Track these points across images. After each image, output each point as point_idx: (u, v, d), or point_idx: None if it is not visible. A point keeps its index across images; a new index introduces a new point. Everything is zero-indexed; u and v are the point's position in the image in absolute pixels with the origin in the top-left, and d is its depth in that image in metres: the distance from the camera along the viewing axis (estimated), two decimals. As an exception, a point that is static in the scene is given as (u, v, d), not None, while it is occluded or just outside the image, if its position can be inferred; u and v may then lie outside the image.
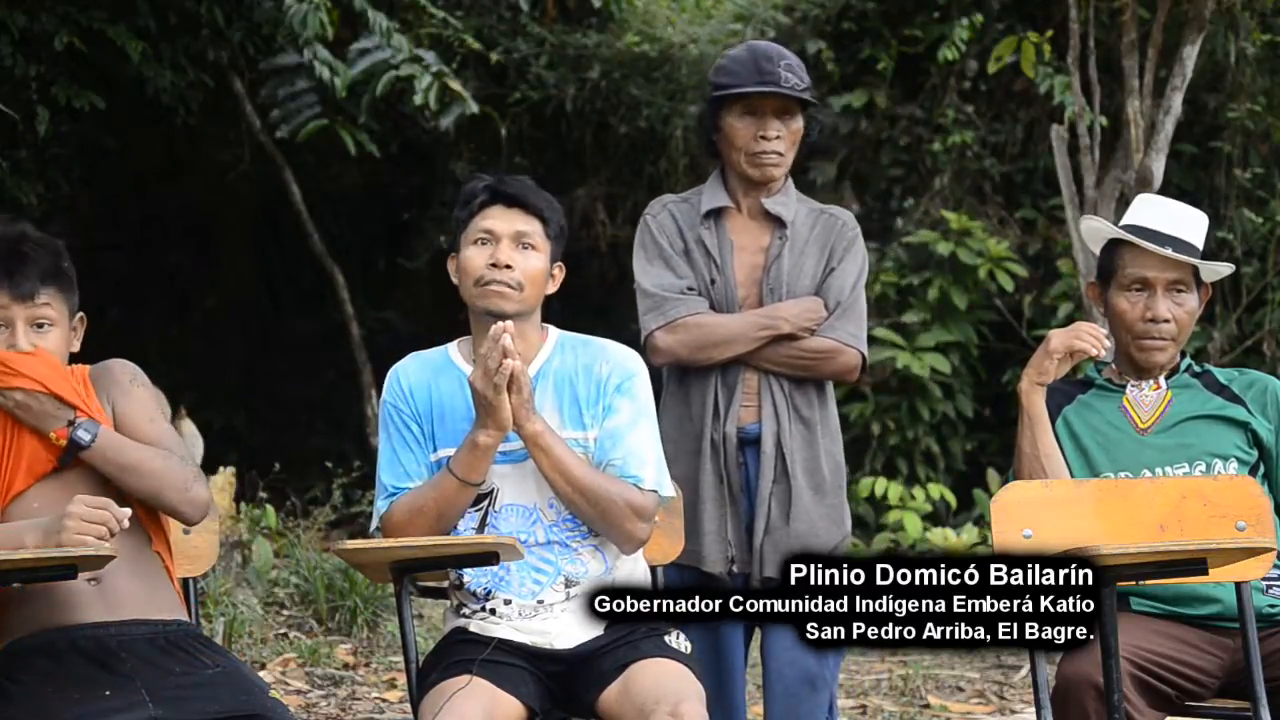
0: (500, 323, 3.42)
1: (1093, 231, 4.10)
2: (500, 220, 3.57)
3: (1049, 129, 8.14)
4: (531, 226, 3.58)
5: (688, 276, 4.11)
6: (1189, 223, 3.96)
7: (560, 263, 3.67)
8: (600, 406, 3.59)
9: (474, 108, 7.66)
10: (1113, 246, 3.99)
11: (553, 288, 3.65)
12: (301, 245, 9.90)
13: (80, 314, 3.55)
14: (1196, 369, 3.99)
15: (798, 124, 4.13)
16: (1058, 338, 3.88)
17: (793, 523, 4.04)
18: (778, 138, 4.09)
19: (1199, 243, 3.95)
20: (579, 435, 3.58)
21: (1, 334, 3.44)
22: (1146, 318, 3.89)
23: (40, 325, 3.45)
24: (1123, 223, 4.01)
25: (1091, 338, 3.85)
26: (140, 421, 3.51)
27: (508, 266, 3.53)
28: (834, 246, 4.15)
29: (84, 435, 3.39)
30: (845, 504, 4.20)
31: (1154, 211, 3.97)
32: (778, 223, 4.14)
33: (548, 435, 3.49)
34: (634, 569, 3.64)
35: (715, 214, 4.15)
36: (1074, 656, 3.53)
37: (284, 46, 7.97)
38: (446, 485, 3.49)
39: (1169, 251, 3.88)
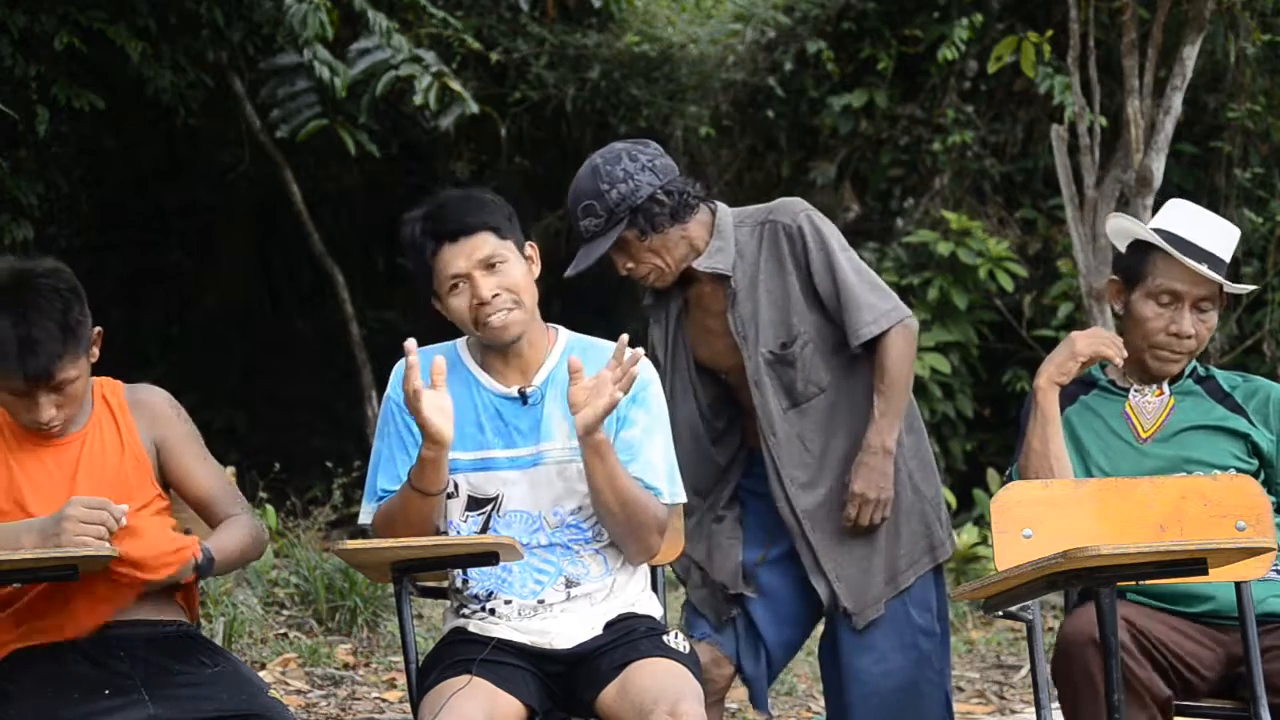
0: (406, 342, 3.37)
1: (1122, 230, 3.94)
2: (459, 258, 3.49)
3: (1049, 129, 8.14)
4: (487, 245, 3.49)
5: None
6: (1223, 236, 3.86)
7: (530, 243, 3.60)
8: (614, 415, 3.51)
9: (474, 108, 7.66)
10: (1143, 249, 3.87)
11: (538, 270, 3.59)
12: (301, 245, 9.89)
13: (97, 329, 3.47)
14: (1201, 372, 3.94)
15: (652, 240, 4.01)
16: (1085, 342, 3.84)
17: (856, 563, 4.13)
18: (629, 270, 4.06)
19: (1228, 257, 3.86)
20: (591, 442, 3.55)
21: (23, 402, 3.38)
22: (1170, 331, 3.82)
23: (61, 389, 3.40)
24: (1154, 225, 3.88)
25: (1115, 347, 3.83)
26: (192, 461, 3.57)
27: (495, 296, 3.48)
28: (789, 255, 4.09)
29: (205, 569, 3.43)
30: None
31: (1189, 221, 3.85)
32: (721, 276, 4.10)
33: (608, 444, 3.44)
34: (634, 570, 3.64)
35: (659, 300, 4.17)
36: (1073, 617, 3.56)
37: (284, 46, 7.95)
38: (407, 494, 3.46)
39: (1204, 269, 3.79)
